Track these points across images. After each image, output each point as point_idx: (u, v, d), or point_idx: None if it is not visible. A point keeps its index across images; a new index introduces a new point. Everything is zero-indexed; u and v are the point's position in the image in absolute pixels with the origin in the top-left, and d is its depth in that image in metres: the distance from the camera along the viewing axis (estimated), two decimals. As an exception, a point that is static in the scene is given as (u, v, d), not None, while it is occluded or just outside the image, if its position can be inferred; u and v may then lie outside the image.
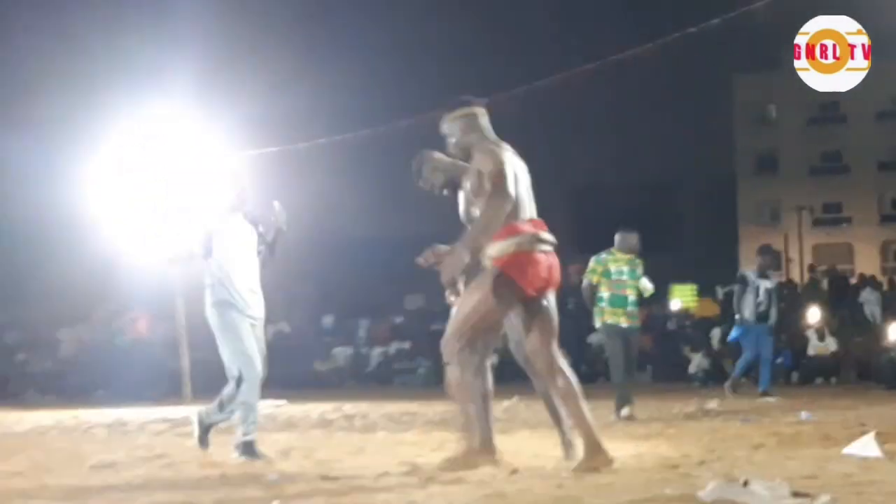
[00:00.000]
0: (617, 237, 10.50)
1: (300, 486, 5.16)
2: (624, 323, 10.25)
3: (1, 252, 29.12)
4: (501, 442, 6.53)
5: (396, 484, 5.17)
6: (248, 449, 6.74)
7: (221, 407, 7.06)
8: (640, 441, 7.26)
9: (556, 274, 5.53)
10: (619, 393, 10.11)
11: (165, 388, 17.37)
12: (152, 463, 6.59)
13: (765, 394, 12.47)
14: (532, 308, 5.50)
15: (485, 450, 6.01)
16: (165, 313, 17.72)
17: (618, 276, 10.29)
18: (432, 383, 20.09)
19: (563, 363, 5.59)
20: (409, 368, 20.38)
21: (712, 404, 10.96)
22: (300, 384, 18.26)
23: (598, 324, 10.48)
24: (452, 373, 5.49)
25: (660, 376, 18.54)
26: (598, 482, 5.08)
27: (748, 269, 14.02)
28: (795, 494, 4.36)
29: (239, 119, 16.96)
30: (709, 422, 9.19)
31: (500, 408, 11.43)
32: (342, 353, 21.67)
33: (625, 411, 9.78)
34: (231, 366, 6.93)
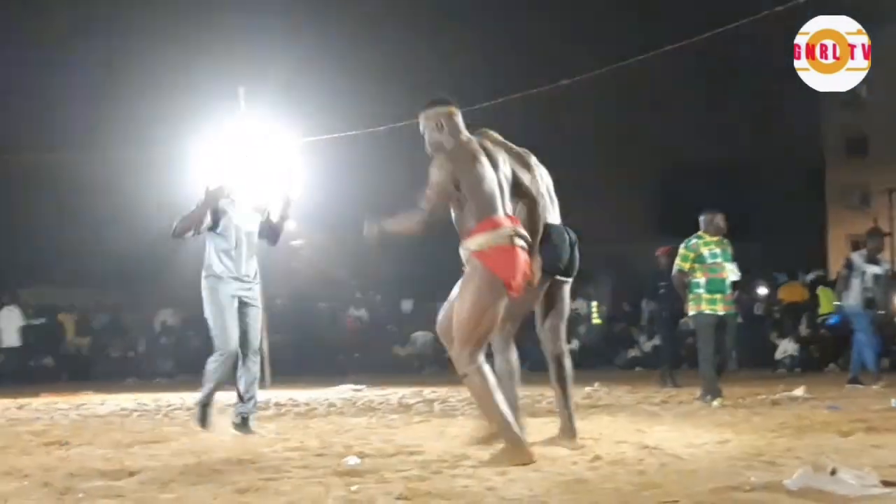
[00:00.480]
0: (703, 219, 10.28)
1: (379, 470, 5.14)
2: (721, 311, 9.99)
3: (101, 239, 29.69)
4: (583, 428, 6.45)
5: (475, 469, 5.13)
6: (202, 413, 7.44)
7: (241, 397, 7.56)
8: (724, 428, 7.13)
9: (529, 271, 5.59)
10: (707, 385, 9.94)
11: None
12: (232, 445, 6.63)
13: (854, 380, 12.13)
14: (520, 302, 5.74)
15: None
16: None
17: (712, 259, 10.04)
18: (513, 368, 20.03)
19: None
20: (489, 353, 20.31)
21: (799, 391, 10.73)
22: (379, 369, 18.36)
23: (691, 312, 10.19)
24: (472, 384, 5.48)
25: (746, 362, 18.27)
26: (682, 469, 5.00)
27: (856, 253, 13.34)
28: (885, 483, 4.25)
29: (323, 103, 17.04)
30: (796, 409, 8.99)
31: (581, 393, 11.34)
32: (422, 337, 21.69)
33: (714, 403, 9.58)
34: (213, 337, 7.42)
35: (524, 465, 5.14)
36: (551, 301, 6.26)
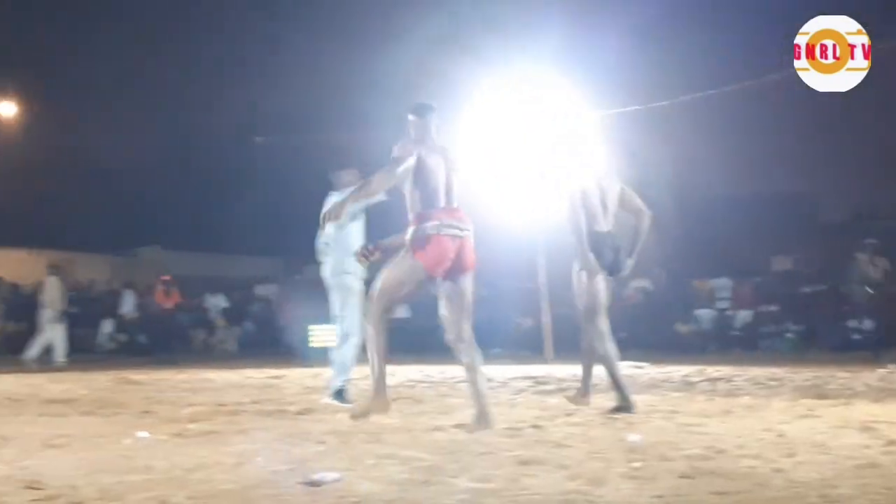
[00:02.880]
0: None
1: (660, 448, 5.10)
2: None
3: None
4: (876, 411, 6.15)
5: (761, 450, 5.00)
6: (339, 395, 8.11)
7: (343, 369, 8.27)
8: None
9: (467, 257, 6.23)
10: None
11: (531, 348, 17.92)
12: (513, 417, 6.72)
13: None
14: (445, 287, 6.25)
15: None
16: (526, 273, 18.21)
17: None
18: (801, 348, 19.35)
19: (471, 340, 6.23)
20: (776, 332, 19.66)
21: None
22: (662, 346, 18.11)
23: None
24: (369, 331, 6.34)
25: None
26: None
27: None
28: None
29: (600, 78, 16.92)
30: None
31: (875, 376, 10.84)
32: (706, 315, 21.21)
33: None
34: (348, 327, 8.17)
35: (381, 413, 6.32)
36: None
